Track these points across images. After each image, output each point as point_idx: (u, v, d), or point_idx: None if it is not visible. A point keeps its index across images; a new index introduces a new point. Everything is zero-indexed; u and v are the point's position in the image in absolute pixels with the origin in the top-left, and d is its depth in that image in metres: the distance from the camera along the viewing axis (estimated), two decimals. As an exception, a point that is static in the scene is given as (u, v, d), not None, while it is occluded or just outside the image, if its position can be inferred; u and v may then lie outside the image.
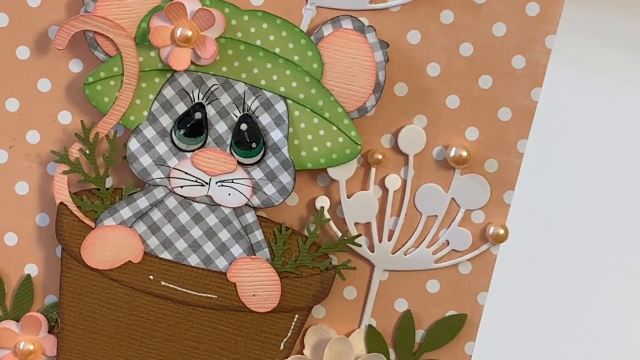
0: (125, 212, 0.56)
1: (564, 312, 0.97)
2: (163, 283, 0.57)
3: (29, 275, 0.58)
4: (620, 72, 0.96)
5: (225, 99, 0.55)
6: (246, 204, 0.56)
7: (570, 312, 0.97)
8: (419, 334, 0.59)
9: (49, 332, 0.59)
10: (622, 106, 0.96)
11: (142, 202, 0.57)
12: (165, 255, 0.57)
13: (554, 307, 0.97)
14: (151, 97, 0.56)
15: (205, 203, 0.56)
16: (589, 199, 0.95)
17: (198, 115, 0.56)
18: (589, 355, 0.97)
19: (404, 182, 0.58)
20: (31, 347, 0.58)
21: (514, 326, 0.92)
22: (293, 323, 0.58)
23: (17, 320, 0.58)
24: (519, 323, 0.93)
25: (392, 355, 0.60)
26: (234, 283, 0.57)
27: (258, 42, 0.55)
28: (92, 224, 0.56)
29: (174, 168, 0.56)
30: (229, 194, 0.56)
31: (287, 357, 0.58)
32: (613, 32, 0.96)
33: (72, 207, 0.56)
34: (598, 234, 0.96)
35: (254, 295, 0.56)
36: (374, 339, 0.58)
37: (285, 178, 0.56)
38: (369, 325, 0.59)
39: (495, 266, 0.60)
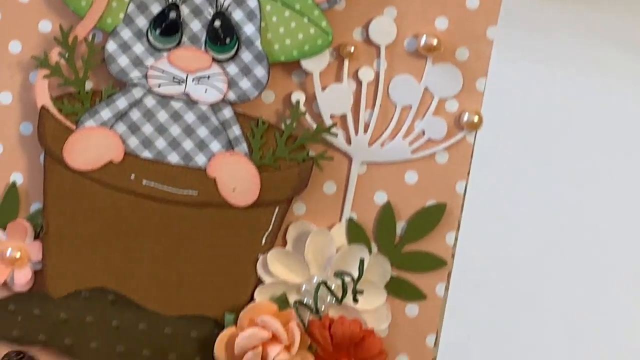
0: (105, 113, 0.57)
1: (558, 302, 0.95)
2: (144, 182, 0.58)
3: (14, 183, 0.59)
4: (619, 72, 0.96)
5: None
6: (223, 100, 0.57)
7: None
8: (400, 226, 0.59)
9: (35, 238, 0.59)
10: (622, 105, 0.96)
11: (122, 103, 0.57)
12: (146, 154, 0.57)
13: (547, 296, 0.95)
14: None
15: (182, 101, 0.57)
16: (589, 198, 0.95)
17: (172, 14, 0.56)
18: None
19: (377, 74, 0.58)
20: (17, 255, 0.58)
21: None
22: (274, 217, 0.59)
23: (3, 228, 0.59)
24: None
25: (374, 248, 0.58)
26: (214, 178, 0.57)
27: None
28: (73, 127, 0.57)
29: (151, 67, 0.57)
30: (206, 91, 0.57)
31: (268, 251, 0.58)
32: (613, 32, 0.96)
33: (54, 110, 0.57)
34: (602, 237, 0.95)
35: (233, 190, 0.57)
36: (355, 232, 0.59)
37: (260, 71, 0.57)
38: (350, 218, 0.59)
39: (472, 155, 0.58)
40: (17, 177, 0.59)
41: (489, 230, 0.92)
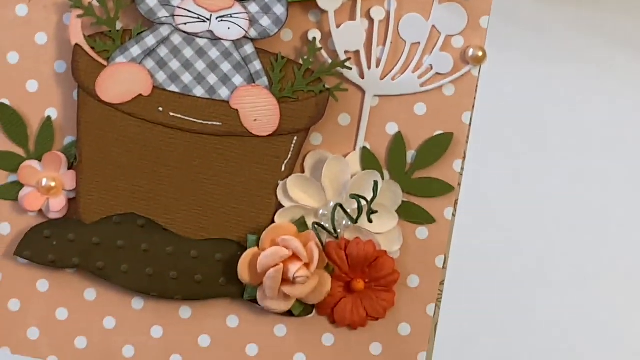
0: (135, 50, 0.59)
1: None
2: (171, 114, 0.59)
3: (49, 117, 0.61)
4: (620, 71, 0.96)
5: None
6: (244, 37, 0.59)
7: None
8: (410, 154, 0.61)
9: (69, 168, 0.61)
10: (623, 105, 0.97)
11: (150, 40, 0.59)
12: (173, 88, 0.59)
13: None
14: None
15: (207, 38, 0.59)
16: (591, 197, 0.95)
17: None
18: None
19: (388, 12, 0.60)
20: (52, 184, 0.60)
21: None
22: (292, 145, 0.60)
23: (39, 160, 0.61)
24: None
25: (386, 175, 0.61)
26: (237, 110, 0.59)
27: None
28: (105, 63, 0.59)
29: (177, 7, 0.59)
30: (229, 28, 0.59)
31: (288, 177, 0.60)
32: (614, 32, 0.96)
33: (87, 47, 0.59)
34: (607, 236, 0.95)
35: (255, 120, 0.59)
36: (368, 160, 0.61)
37: (279, 9, 0.59)
38: (363, 147, 0.61)
39: (477, 88, 0.60)
40: (52, 112, 0.61)
41: (486, 225, 0.91)
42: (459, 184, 0.61)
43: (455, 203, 0.61)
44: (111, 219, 0.61)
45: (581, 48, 0.99)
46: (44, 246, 0.61)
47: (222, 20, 0.59)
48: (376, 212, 0.60)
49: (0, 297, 0.62)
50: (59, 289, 0.62)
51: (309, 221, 0.61)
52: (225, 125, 0.60)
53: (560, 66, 0.99)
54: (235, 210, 0.61)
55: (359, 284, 0.58)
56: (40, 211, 0.61)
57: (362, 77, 0.60)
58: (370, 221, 0.60)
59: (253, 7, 0.59)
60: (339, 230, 0.60)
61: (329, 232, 0.60)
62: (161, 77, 0.59)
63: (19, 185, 0.61)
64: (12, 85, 0.61)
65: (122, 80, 0.59)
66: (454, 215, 0.61)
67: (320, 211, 0.61)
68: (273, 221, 0.61)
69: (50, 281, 0.62)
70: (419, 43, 0.60)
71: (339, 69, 0.60)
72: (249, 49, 0.59)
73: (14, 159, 0.61)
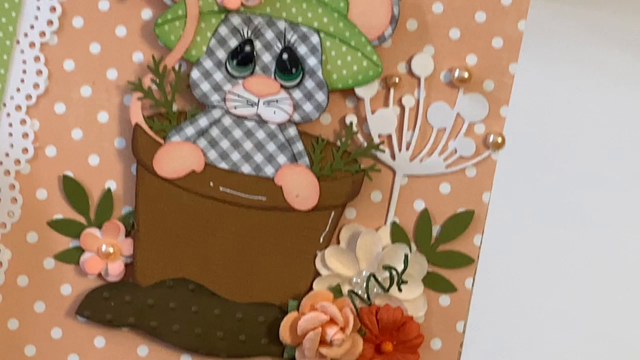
0: (189, 130, 0.62)
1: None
2: (221, 188, 0.62)
3: (109, 189, 0.63)
4: (620, 71, 0.96)
5: (269, 35, 0.62)
6: (289, 120, 0.62)
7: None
8: (435, 229, 0.64)
9: (126, 236, 0.63)
10: (622, 105, 0.96)
11: (203, 122, 0.62)
12: (223, 165, 0.62)
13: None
14: (209, 34, 0.62)
15: (254, 120, 0.62)
16: (590, 197, 0.95)
17: (248, 48, 0.62)
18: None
19: (417, 101, 0.63)
20: (111, 250, 0.63)
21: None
22: (330, 219, 0.63)
23: (99, 228, 0.63)
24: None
25: (414, 248, 0.64)
26: (280, 186, 0.62)
27: None
28: (161, 141, 0.62)
29: (228, 92, 0.62)
30: (274, 112, 0.62)
31: (325, 248, 0.63)
32: (613, 31, 0.96)
33: (145, 127, 0.62)
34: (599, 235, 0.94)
35: (297, 196, 0.62)
36: (397, 234, 0.64)
37: (320, 97, 0.62)
38: (393, 222, 0.64)
39: (496, 170, 0.63)
40: (111, 184, 0.64)
41: (511, 233, 0.91)
42: (479, 256, 0.64)
43: (474, 274, 0.64)
44: (165, 282, 0.64)
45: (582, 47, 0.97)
46: (102, 306, 0.63)
47: (268, 105, 0.62)
48: (406, 282, 0.63)
49: (60, 352, 0.63)
50: (115, 345, 0.64)
51: (344, 289, 0.64)
52: (270, 200, 0.62)
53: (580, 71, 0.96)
54: (277, 277, 0.63)
55: (388, 346, 0.62)
56: (99, 275, 0.63)
57: (394, 159, 0.63)
58: (400, 290, 0.62)
59: (297, 94, 0.62)
60: (371, 297, 0.63)
61: (362, 299, 0.63)
62: (212, 155, 0.62)
63: (80, 251, 0.63)
64: (76, 159, 0.63)
65: (177, 158, 0.62)
66: (473, 284, 0.64)
67: (354, 279, 0.63)
68: (311, 288, 0.64)
69: (107, 338, 0.64)
70: (445, 129, 0.64)
71: (373, 151, 0.63)
72: (292, 131, 0.62)
73: (76, 226, 0.64)
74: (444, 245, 0.64)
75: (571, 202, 0.93)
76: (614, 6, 0.95)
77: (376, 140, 0.64)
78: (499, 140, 0.63)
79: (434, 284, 0.64)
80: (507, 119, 0.65)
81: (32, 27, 0.63)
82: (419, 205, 0.65)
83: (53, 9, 0.62)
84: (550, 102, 0.96)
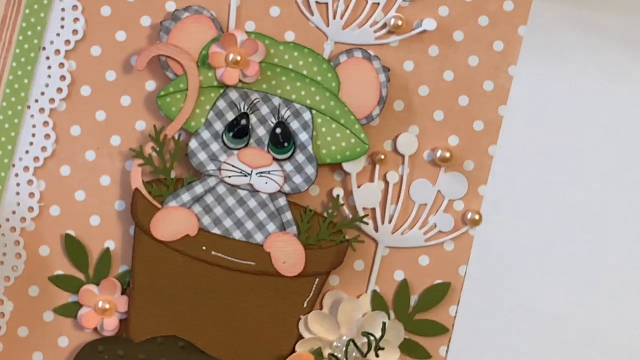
0: (185, 197, 0.64)
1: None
2: (213, 252, 0.64)
3: (107, 248, 0.65)
4: (617, 71, 0.95)
5: (264, 110, 0.64)
6: (279, 191, 0.64)
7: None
8: (413, 299, 0.66)
9: (122, 293, 0.65)
10: (616, 103, 0.95)
11: (199, 189, 0.64)
12: (215, 230, 0.64)
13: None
14: (207, 107, 0.64)
15: (247, 190, 0.64)
16: (584, 195, 0.94)
17: (243, 121, 0.64)
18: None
19: (401, 177, 0.65)
20: (107, 306, 0.64)
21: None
22: (314, 285, 0.65)
23: (97, 284, 0.65)
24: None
25: (392, 315, 0.65)
26: (269, 252, 0.64)
27: (290, 66, 0.64)
28: (159, 206, 0.64)
29: (224, 162, 0.64)
30: (266, 183, 0.64)
31: (309, 313, 0.64)
32: (611, 33, 0.95)
33: (144, 192, 0.64)
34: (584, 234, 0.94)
35: (284, 263, 0.64)
36: (377, 302, 0.65)
37: (310, 170, 0.64)
38: (374, 290, 0.66)
39: (472, 245, 0.65)
40: (110, 244, 0.65)
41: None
42: (453, 326, 0.65)
43: (449, 342, 0.65)
44: (156, 339, 0.65)
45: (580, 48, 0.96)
46: (96, 359, 0.65)
47: (261, 176, 0.64)
48: (383, 348, 0.64)
49: None
50: None
51: (325, 352, 0.65)
52: (259, 265, 0.64)
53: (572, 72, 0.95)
54: (262, 338, 0.64)
55: (364, 409, 0.64)
56: (95, 329, 0.65)
57: (376, 231, 0.65)
58: (377, 355, 0.64)
59: (288, 166, 0.64)
60: None
61: None
62: (206, 220, 0.64)
63: (78, 305, 0.65)
64: (78, 219, 0.65)
65: (173, 222, 0.64)
66: (447, 351, 0.65)
67: (335, 343, 0.65)
68: (294, 350, 0.65)
69: None
70: (426, 204, 0.66)
71: (357, 223, 0.65)
72: (282, 201, 0.64)
73: (75, 282, 0.65)
74: (420, 314, 0.66)
75: (569, 202, 0.93)
76: (608, 6, 0.94)
77: (361, 212, 0.65)
78: (477, 217, 0.65)
79: (410, 350, 0.66)
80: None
81: (42, 93, 0.65)
82: (399, 276, 0.66)
83: (63, 78, 0.65)
84: (546, 102, 0.95)
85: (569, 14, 0.94)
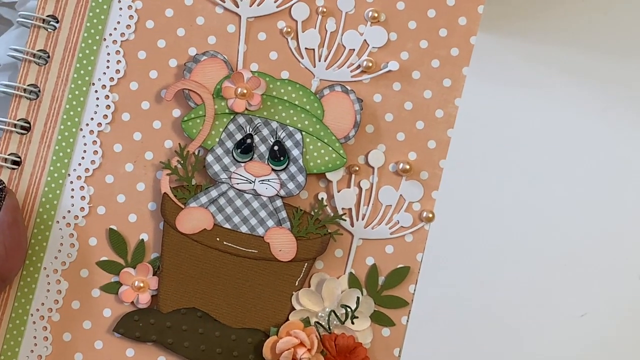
0: (203, 199, 0.67)
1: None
2: (225, 242, 0.67)
3: (142, 239, 0.69)
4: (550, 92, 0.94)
5: (265, 131, 0.68)
6: (276, 195, 0.68)
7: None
8: (381, 279, 0.69)
9: (153, 275, 0.68)
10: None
11: (214, 193, 0.68)
12: (227, 225, 0.67)
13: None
14: (221, 130, 0.68)
15: (251, 194, 0.68)
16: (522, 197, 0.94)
17: (249, 141, 0.68)
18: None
19: (372, 184, 0.69)
20: (142, 285, 0.68)
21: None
22: (304, 268, 0.68)
23: (134, 268, 0.68)
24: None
25: (365, 292, 0.69)
26: (268, 243, 0.67)
27: (285, 98, 0.68)
28: (182, 206, 0.67)
29: (233, 172, 0.67)
30: (266, 188, 0.68)
31: (299, 290, 0.68)
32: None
33: (172, 195, 0.68)
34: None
35: (280, 251, 0.68)
36: (353, 282, 0.69)
37: (300, 178, 0.67)
38: (350, 272, 0.69)
39: (427, 237, 0.69)
40: (144, 236, 0.69)
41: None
42: (412, 300, 0.69)
43: (409, 313, 0.69)
44: (179, 310, 0.68)
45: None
46: (133, 326, 0.68)
47: (262, 183, 0.67)
48: (357, 317, 0.68)
49: (102, 359, 0.69)
50: (141, 355, 0.69)
51: (312, 320, 0.68)
52: (260, 252, 0.67)
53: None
54: (263, 310, 0.68)
55: (343, 364, 0.68)
56: (132, 302, 0.68)
57: (352, 226, 0.69)
58: (352, 323, 0.68)
59: (283, 176, 0.67)
60: (331, 327, 0.68)
61: (325, 328, 0.68)
62: (219, 218, 0.68)
63: (119, 284, 0.68)
64: (119, 217, 0.69)
65: (193, 219, 0.67)
66: (407, 320, 0.69)
67: (320, 314, 0.68)
68: (288, 319, 0.68)
69: (135, 350, 0.69)
70: (391, 205, 0.69)
71: (338, 220, 0.68)
72: (278, 203, 0.68)
73: (117, 266, 0.69)
74: (386, 291, 0.69)
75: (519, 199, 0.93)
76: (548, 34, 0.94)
77: (340, 211, 0.69)
78: (430, 215, 0.69)
79: (379, 319, 0.69)
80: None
81: (92, 119, 0.69)
82: (370, 261, 0.69)
83: (108, 107, 0.69)
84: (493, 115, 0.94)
85: (512, 45, 0.94)
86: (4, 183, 0.67)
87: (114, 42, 0.70)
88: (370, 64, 0.69)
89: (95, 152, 0.69)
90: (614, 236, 0.93)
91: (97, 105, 0.69)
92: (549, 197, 0.94)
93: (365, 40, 0.70)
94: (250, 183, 0.68)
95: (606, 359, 0.93)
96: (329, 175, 0.69)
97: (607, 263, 0.93)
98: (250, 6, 0.70)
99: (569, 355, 0.93)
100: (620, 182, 0.94)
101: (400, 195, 0.70)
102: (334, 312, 0.69)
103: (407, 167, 0.69)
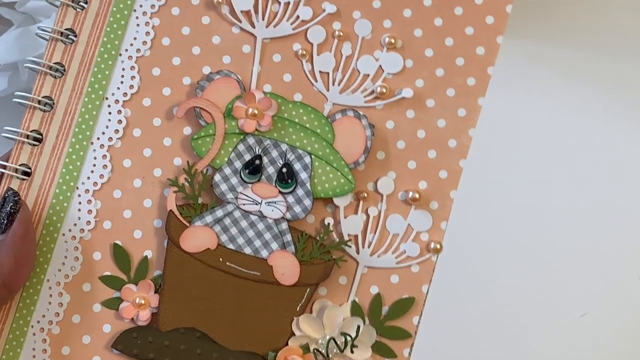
0: (209, 218, 0.67)
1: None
2: (228, 263, 0.66)
3: (146, 256, 0.68)
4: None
5: (274, 153, 0.67)
6: (282, 217, 0.67)
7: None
8: (384, 309, 0.68)
9: (155, 292, 0.68)
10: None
11: (219, 213, 0.67)
12: (231, 246, 0.67)
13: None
14: (230, 149, 0.67)
15: (257, 215, 0.67)
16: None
17: (257, 162, 0.67)
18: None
19: (379, 212, 0.68)
20: (143, 302, 0.67)
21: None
22: (306, 293, 0.67)
23: (136, 284, 0.68)
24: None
25: (367, 321, 0.67)
26: (272, 266, 0.66)
27: (296, 120, 0.67)
28: (187, 224, 0.67)
29: (240, 193, 0.67)
30: (272, 210, 0.67)
31: (300, 315, 0.67)
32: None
33: (177, 213, 0.67)
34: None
35: (283, 274, 0.66)
36: (355, 310, 0.67)
37: (307, 202, 0.67)
38: (353, 300, 0.68)
39: (434, 269, 0.67)
40: (148, 253, 0.68)
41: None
42: (415, 332, 0.67)
43: (412, 346, 0.67)
44: (179, 330, 0.67)
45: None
46: (131, 343, 0.67)
47: (268, 205, 0.67)
48: (357, 346, 0.67)
49: None
50: None
51: (311, 347, 0.67)
52: (263, 275, 0.66)
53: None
54: (262, 334, 0.67)
55: (340, 393, 0.65)
56: (132, 319, 0.68)
57: (358, 253, 0.68)
58: (352, 352, 0.67)
59: (290, 199, 0.67)
60: (330, 355, 0.67)
61: (324, 356, 0.67)
62: (224, 238, 0.67)
63: (120, 300, 0.68)
64: (124, 232, 0.68)
65: (197, 238, 0.67)
66: (410, 353, 0.67)
67: (319, 341, 0.67)
68: (287, 344, 0.67)
69: None
70: (398, 234, 0.68)
71: (343, 246, 0.67)
72: (284, 225, 0.67)
73: (119, 281, 0.68)
74: (389, 321, 0.68)
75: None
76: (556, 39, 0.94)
77: (346, 238, 0.68)
78: (438, 246, 0.67)
79: (380, 350, 0.67)
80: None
81: (103, 133, 0.68)
82: (374, 290, 0.68)
83: (120, 122, 0.68)
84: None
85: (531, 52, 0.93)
86: (19, 195, 0.67)
87: (130, 57, 0.69)
88: (384, 90, 0.68)
89: (105, 166, 0.69)
90: (614, 236, 0.93)
91: (109, 120, 0.69)
92: (548, 197, 0.93)
93: (380, 65, 0.69)
94: (257, 204, 0.67)
95: (606, 359, 0.92)
96: (336, 201, 0.68)
97: (607, 263, 0.93)
98: (267, 27, 0.69)
99: (569, 355, 0.92)
100: (621, 182, 0.93)
101: (409, 224, 0.69)
102: (333, 339, 0.68)
103: (417, 196, 0.68)
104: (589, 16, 0.95)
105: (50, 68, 0.69)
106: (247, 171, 0.67)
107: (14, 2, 0.81)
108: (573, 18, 0.95)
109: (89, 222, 0.68)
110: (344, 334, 0.67)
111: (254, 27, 0.69)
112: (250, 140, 0.67)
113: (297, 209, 0.67)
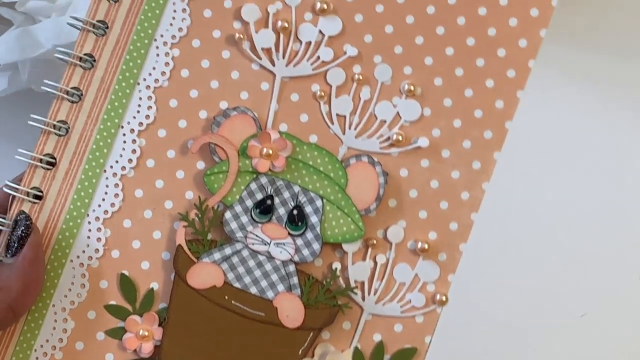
0: (217, 255, 0.67)
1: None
2: (233, 302, 0.66)
3: (152, 288, 0.68)
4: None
5: (286, 194, 0.67)
6: (290, 259, 0.66)
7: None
8: (386, 358, 0.67)
9: (159, 325, 0.68)
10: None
11: (228, 250, 0.67)
12: (237, 285, 0.66)
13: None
14: (242, 187, 0.67)
15: (265, 256, 0.66)
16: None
17: (269, 202, 0.67)
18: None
19: (387, 260, 0.67)
20: (146, 334, 0.67)
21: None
22: (309, 337, 0.67)
23: (141, 316, 0.68)
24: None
25: None
26: (277, 307, 0.66)
27: (310, 162, 0.66)
28: (195, 260, 0.66)
29: (250, 232, 0.66)
30: (281, 252, 0.66)
31: (302, 359, 0.67)
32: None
33: (185, 248, 0.67)
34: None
35: (287, 316, 0.66)
36: (357, 357, 0.67)
37: (316, 246, 0.66)
38: (355, 347, 0.67)
39: (438, 321, 0.67)
40: (155, 285, 0.68)
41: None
42: None
43: None
44: None
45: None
46: None
47: (277, 246, 0.66)
48: None
49: None
50: None
51: None
52: (267, 316, 0.66)
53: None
54: None
55: None
56: (134, 350, 0.67)
57: (363, 300, 0.67)
58: None
59: (299, 241, 0.66)
60: None
61: None
62: (230, 276, 0.66)
63: (124, 330, 0.68)
64: (132, 262, 0.68)
65: (204, 274, 0.66)
66: None
67: None
68: None
69: None
70: (404, 283, 0.67)
71: (349, 292, 0.67)
72: (291, 268, 0.67)
73: (124, 312, 0.68)
74: None
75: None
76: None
77: (353, 284, 0.67)
78: (444, 299, 0.67)
79: None
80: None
81: (117, 161, 0.68)
82: (377, 337, 0.68)
83: (134, 151, 0.68)
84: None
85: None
86: (31, 219, 0.67)
87: (147, 87, 0.69)
88: (401, 138, 0.67)
89: (117, 195, 0.69)
90: (614, 236, 0.92)
91: (124, 149, 0.69)
92: (548, 198, 0.93)
93: (398, 112, 0.68)
94: (266, 245, 0.67)
95: (606, 359, 0.92)
96: (345, 246, 0.68)
97: (607, 263, 0.92)
98: (287, 66, 0.68)
99: (569, 355, 0.92)
100: (621, 182, 0.93)
101: (416, 274, 0.68)
102: (332, 385, 0.67)
103: (426, 246, 0.67)
104: (589, 16, 0.94)
105: (67, 93, 0.69)
106: (258, 210, 0.67)
107: (14, 2, 0.80)
108: (573, 18, 0.94)
109: (97, 250, 0.68)
110: (344, 381, 0.67)
111: (274, 65, 0.68)
112: (263, 180, 0.67)
113: (306, 252, 0.67)
